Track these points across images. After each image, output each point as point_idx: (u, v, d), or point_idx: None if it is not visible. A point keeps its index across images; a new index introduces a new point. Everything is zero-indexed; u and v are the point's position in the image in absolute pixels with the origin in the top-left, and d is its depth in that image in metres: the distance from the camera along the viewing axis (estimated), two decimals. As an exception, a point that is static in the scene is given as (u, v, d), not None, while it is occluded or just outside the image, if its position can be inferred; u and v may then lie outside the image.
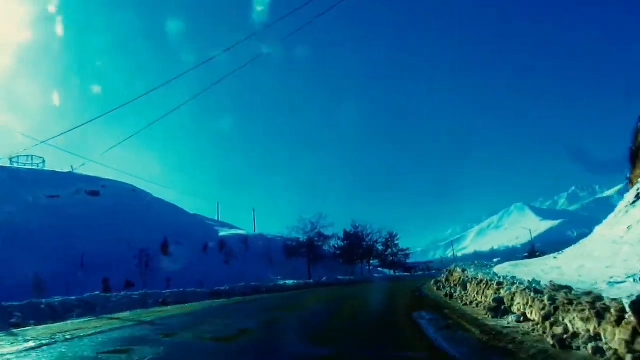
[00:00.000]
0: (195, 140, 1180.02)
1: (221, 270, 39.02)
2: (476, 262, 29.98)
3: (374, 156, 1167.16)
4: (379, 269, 68.99)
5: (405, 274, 69.36)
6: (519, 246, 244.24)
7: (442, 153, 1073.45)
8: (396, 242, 65.33)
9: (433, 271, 64.67)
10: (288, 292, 24.08)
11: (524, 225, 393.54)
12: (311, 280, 36.95)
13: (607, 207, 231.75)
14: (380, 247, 63.81)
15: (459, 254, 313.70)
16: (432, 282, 23.64)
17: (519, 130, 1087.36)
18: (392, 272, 69.93)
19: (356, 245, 57.97)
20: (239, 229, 60.63)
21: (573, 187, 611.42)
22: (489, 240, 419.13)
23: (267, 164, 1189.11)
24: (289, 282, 32.61)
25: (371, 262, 63.16)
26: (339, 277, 42.43)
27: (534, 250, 57.24)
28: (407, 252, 68.88)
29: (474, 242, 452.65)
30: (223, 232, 53.54)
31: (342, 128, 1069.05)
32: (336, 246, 57.22)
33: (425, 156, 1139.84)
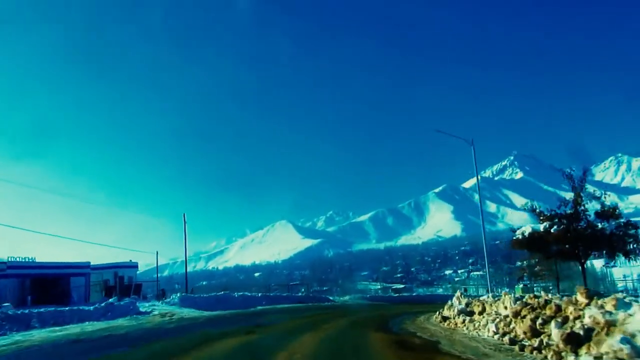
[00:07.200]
0: None
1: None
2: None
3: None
4: None
5: None
6: (280, 262, 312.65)
7: (219, 169, 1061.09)
8: None
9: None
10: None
11: (286, 242, 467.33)
12: None
13: (359, 230, 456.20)
14: None
15: (221, 267, 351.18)
16: None
17: (290, 153, 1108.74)
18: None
19: None
20: None
21: (331, 211, 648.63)
22: (252, 255, 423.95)
23: None
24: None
25: None
26: None
27: None
28: None
29: (236, 256, 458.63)
30: None
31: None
32: None
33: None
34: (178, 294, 27.93)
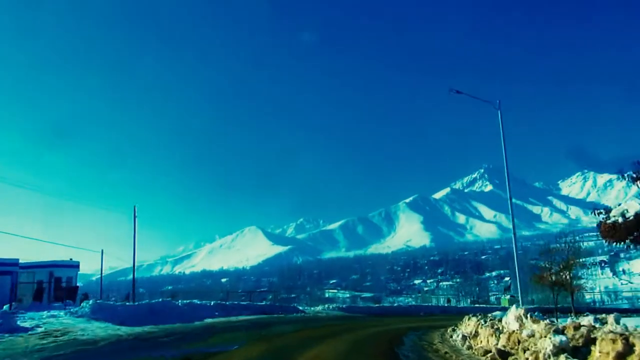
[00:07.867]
0: None
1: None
2: None
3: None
4: None
5: None
6: (248, 268, 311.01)
7: (188, 172, 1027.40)
8: None
9: None
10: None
11: (255, 248, 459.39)
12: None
13: (329, 238, 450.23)
14: None
15: (187, 272, 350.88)
16: None
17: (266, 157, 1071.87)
18: None
19: None
20: None
21: (301, 219, 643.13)
22: (220, 260, 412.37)
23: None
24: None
25: None
26: None
27: None
28: None
29: (204, 261, 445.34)
30: None
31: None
32: None
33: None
34: (90, 301, 19.73)
